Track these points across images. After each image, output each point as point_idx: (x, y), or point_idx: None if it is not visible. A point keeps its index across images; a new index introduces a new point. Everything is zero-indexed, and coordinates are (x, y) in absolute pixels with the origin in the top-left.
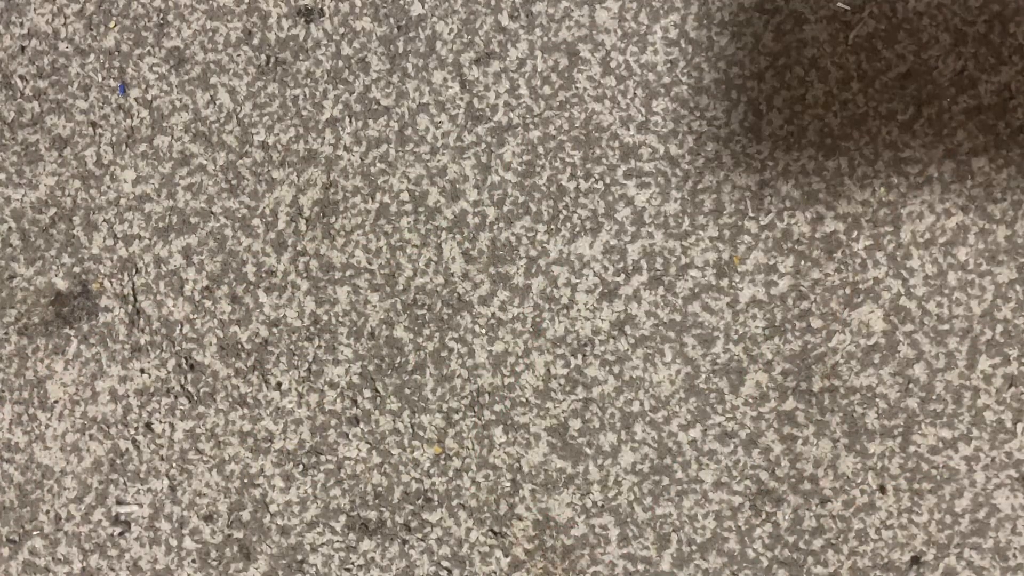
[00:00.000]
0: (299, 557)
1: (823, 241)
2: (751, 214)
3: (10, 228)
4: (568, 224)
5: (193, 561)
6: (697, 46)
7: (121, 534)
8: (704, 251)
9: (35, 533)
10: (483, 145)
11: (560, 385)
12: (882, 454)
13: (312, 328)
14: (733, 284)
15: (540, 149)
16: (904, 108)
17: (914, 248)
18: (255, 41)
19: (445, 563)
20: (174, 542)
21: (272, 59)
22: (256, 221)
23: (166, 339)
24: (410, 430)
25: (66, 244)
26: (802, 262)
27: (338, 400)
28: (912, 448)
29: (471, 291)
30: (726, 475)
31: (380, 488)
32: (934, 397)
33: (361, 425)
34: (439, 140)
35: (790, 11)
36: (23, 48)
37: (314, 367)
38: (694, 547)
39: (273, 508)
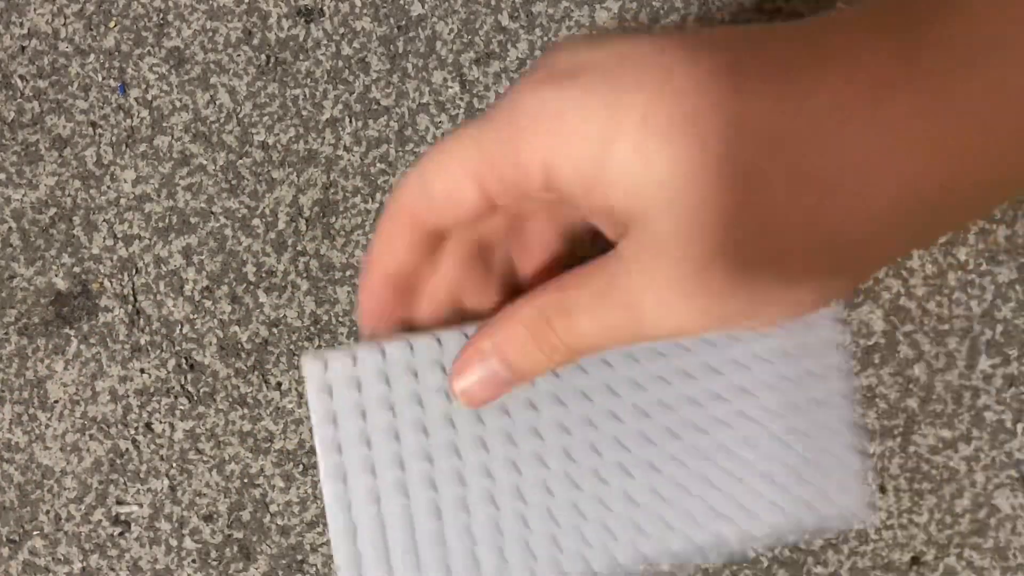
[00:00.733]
0: (299, 557)
1: None
2: None
3: (10, 228)
4: None
5: (193, 561)
6: None
7: (121, 534)
8: None
9: (35, 533)
10: None
11: None
12: (882, 454)
13: (312, 328)
14: None
15: None
16: None
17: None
18: (255, 41)
19: None
20: (174, 542)
21: (272, 59)
22: (256, 221)
23: (166, 339)
24: None
25: (66, 244)
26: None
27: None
28: (912, 448)
29: None
30: None
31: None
32: (934, 397)
33: None
34: (439, 140)
35: (790, 11)
36: (23, 48)
37: None
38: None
39: (273, 508)
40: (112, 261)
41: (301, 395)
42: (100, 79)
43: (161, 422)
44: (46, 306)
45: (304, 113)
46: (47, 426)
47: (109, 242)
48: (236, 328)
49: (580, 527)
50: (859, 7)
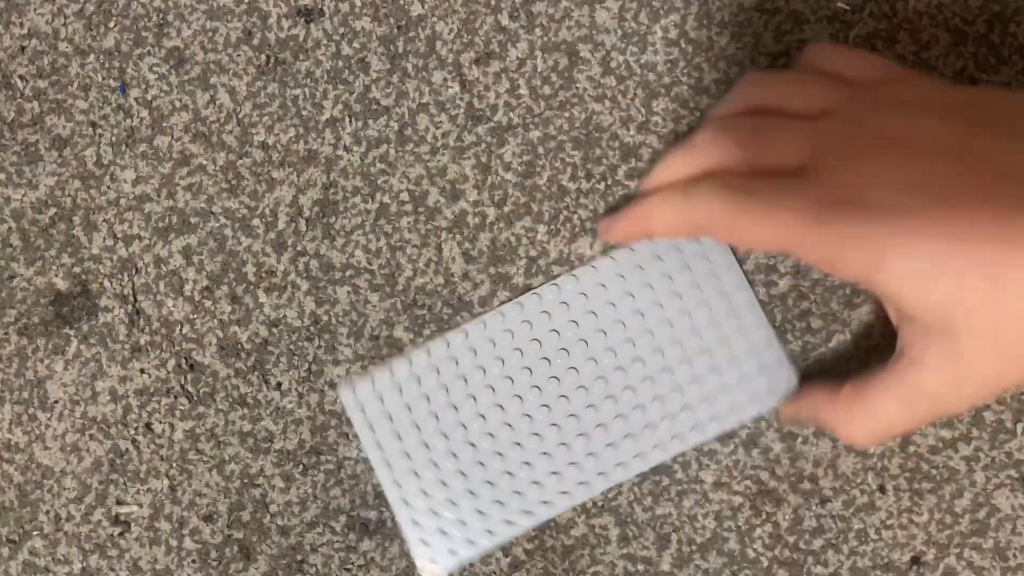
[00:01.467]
0: (299, 557)
1: None
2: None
3: (10, 228)
4: (568, 224)
5: (193, 561)
6: (697, 46)
7: (121, 534)
8: None
9: (35, 533)
10: (483, 145)
11: None
12: (882, 454)
13: (312, 328)
14: None
15: (540, 149)
16: None
17: None
18: (255, 41)
19: None
20: (174, 542)
21: (272, 59)
22: (256, 221)
23: (166, 339)
24: None
25: (66, 244)
26: (802, 262)
27: (338, 400)
28: (912, 448)
29: (471, 291)
30: (726, 475)
31: (380, 488)
32: None
33: None
34: (439, 140)
35: (790, 11)
36: (23, 48)
37: (314, 367)
38: (694, 547)
39: (273, 508)
40: (112, 261)
41: (301, 395)
42: (100, 79)
43: (161, 422)
44: (46, 306)
45: (304, 113)
46: (47, 426)
47: (109, 242)
48: (236, 328)
49: (570, 445)
50: None
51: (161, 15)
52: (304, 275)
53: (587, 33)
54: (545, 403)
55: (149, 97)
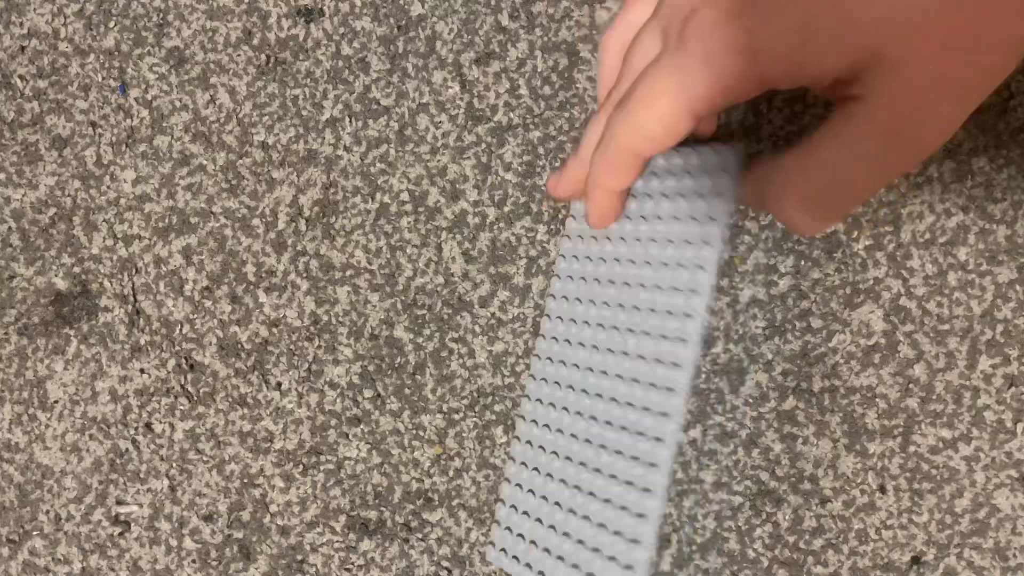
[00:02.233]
0: (299, 557)
1: (823, 241)
2: (751, 214)
3: (10, 228)
4: None
5: (193, 561)
6: None
7: (121, 534)
8: None
9: (35, 533)
10: (483, 145)
11: None
12: (882, 454)
13: (312, 328)
14: (733, 284)
15: (540, 149)
16: None
17: (914, 248)
18: (255, 41)
19: (445, 563)
20: (174, 542)
21: (272, 59)
22: (256, 221)
23: (166, 339)
24: (410, 430)
25: (66, 244)
26: (802, 262)
27: (338, 400)
28: (912, 448)
29: (471, 291)
30: (726, 475)
31: (380, 488)
32: (934, 397)
33: (361, 425)
34: (439, 140)
35: None
36: (23, 48)
37: (314, 367)
38: (694, 547)
39: (273, 508)
40: (112, 261)
41: (301, 395)
42: (100, 79)
43: (161, 422)
44: (46, 306)
45: (304, 113)
46: (47, 426)
47: (109, 242)
48: (236, 328)
49: None
50: None
51: (161, 15)
52: (304, 275)
53: (587, 33)
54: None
55: (149, 97)
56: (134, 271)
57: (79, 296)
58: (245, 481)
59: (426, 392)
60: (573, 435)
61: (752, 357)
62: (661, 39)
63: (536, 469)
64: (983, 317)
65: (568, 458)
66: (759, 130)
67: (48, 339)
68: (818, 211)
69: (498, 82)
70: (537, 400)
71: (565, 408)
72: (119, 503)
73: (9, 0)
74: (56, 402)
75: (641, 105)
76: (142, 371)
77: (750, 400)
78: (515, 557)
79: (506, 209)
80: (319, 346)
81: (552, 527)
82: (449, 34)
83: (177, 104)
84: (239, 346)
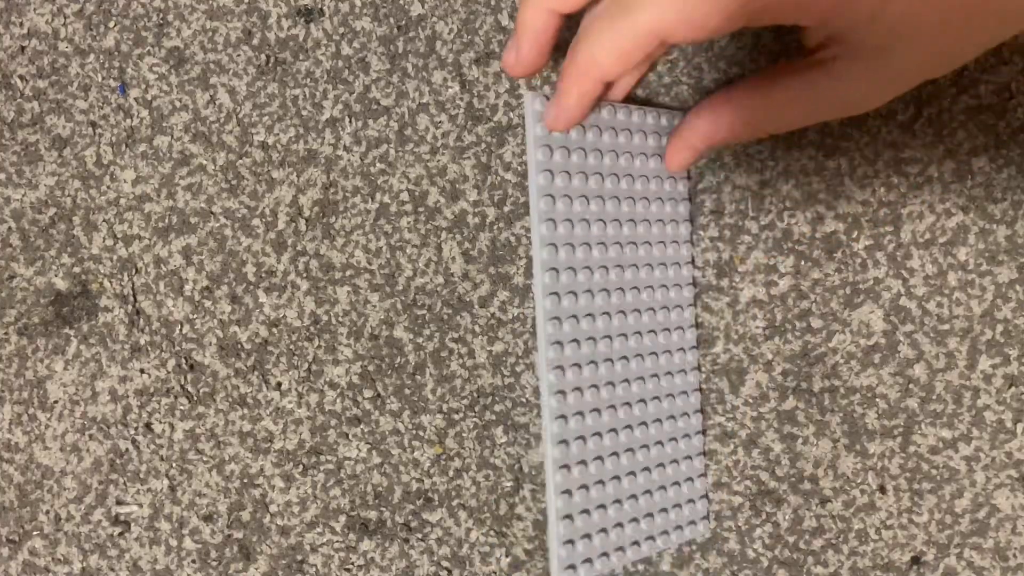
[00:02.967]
0: (299, 557)
1: (823, 241)
2: (751, 214)
3: (10, 228)
4: None
5: (193, 561)
6: (697, 46)
7: (121, 534)
8: (704, 251)
9: (35, 533)
10: (483, 145)
11: None
12: (882, 454)
13: (312, 328)
14: (733, 284)
15: None
16: (904, 108)
17: (914, 248)
18: (255, 41)
19: (445, 563)
20: (174, 542)
21: (272, 59)
22: (256, 221)
23: (166, 339)
24: (410, 430)
25: (66, 244)
26: (802, 262)
27: (338, 400)
28: (912, 448)
29: (471, 291)
30: (726, 475)
31: (380, 488)
32: (934, 397)
33: (361, 425)
34: (439, 140)
35: None
36: (23, 48)
37: (314, 367)
38: (694, 547)
39: (273, 508)
40: (112, 261)
41: (301, 395)
42: (100, 79)
43: (161, 422)
44: (46, 306)
45: (304, 113)
46: (47, 426)
47: (109, 242)
48: (236, 328)
49: None
50: None
51: (161, 15)
52: (304, 275)
53: None
54: None
55: (149, 97)
56: (134, 271)
57: (79, 296)
58: (245, 481)
59: (426, 392)
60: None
61: (752, 357)
62: None
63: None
64: (983, 317)
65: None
66: None
67: (48, 339)
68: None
69: (498, 82)
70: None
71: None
72: (119, 503)
73: (9, 0)
74: (56, 402)
75: (611, 23)
76: (142, 371)
77: (750, 400)
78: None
79: (506, 209)
80: (319, 346)
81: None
82: (449, 34)
83: (177, 104)
84: (239, 346)
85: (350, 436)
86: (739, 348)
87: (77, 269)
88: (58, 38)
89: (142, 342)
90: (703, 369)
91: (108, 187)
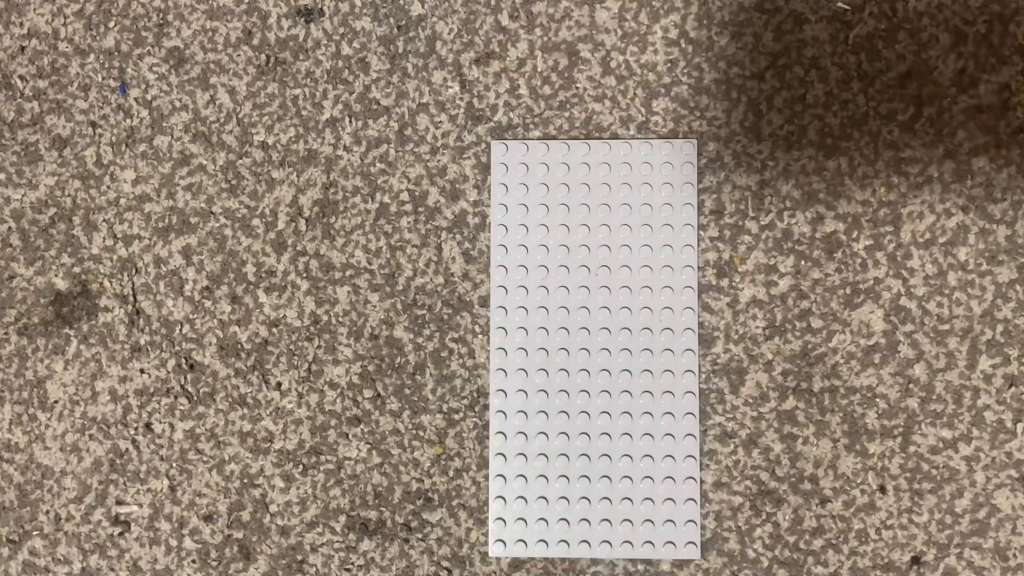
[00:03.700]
0: (299, 557)
1: (823, 241)
2: (751, 214)
3: (10, 228)
4: None
5: (193, 561)
6: (697, 46)
7: (121, 534)
8: (704, 251)
9: (35, 533)
10: (483, 145)
11: None
12: (882, 454)
13: (312, 328)
14: (733, 284)
15: None
16: (904, 108)
17: (914, 248)
18: (255, 41)
19: (445, 563)
20: (174, 542)
21: (272, 59)
22: (256, 221)
23: (166, 339)
24: (410, 430)
25: (66, 244)
26: (802, 262)
27: (338, 400)
28: (912, 448)
29: (471, 291)
30: (726, 475)
31: (380, 488)
32: (934, 397)
33: (361, 425)
34: (439, 140)
35: (790, 11)
36: (23, 48)
37: (314, 367)
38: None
39: (273, 508)
40: (112, 261)
41: (301, 395)
42: (100, 79)
43: (161, 422)
44: (46, 306)
45: (304, 113)
46: (47, 426)
47: (109, 242)
48: (236, 328)
49: None
50: None
51: (161, 15)
52: (304, 275)
53: (587, 33)
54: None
55: (149, 97)
56: (134, 271)
57: (79, 296)
58: (245, 481)
59: (426, 392)
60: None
61: (752, 357)
62: None
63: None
64: (983, 317)
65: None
66: (759, 130)
67: (48, 339)
68: None
69: (498, 82)
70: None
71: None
72: (119, 503)
73: (9, 0)
74: (56, 402)
75: None
76: (142, 371)
77: (750, 400)
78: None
79: None
80: (319, 346)
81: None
82: (449, 34)
83: (177, 104)
84: (239, 346)
85: (350, 436)
86: (739, 348)
87: (77, 269)
88: (58, 38)
89: (142, 342)
90: (703, 369)
91: (108, 187)
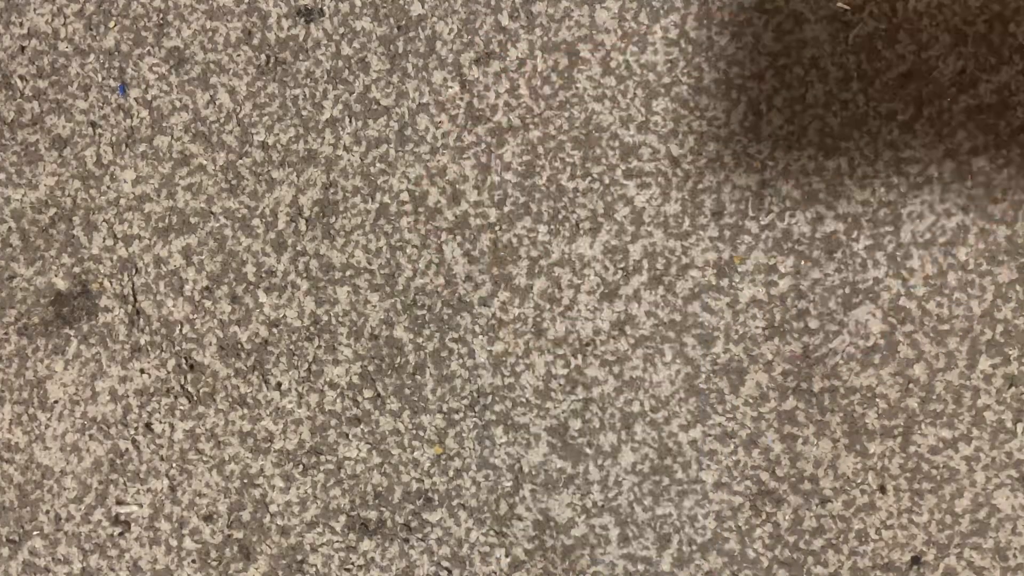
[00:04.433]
0: (299, 557)
1: (823, 241)
2: (751, 214)
3: (10, 228)
4: (568, 224)
5: (193, 561)
6: (697, 46)
7: (121, 534)
8: (704, 251)
9: (35, 533)
10: (483, 145)
11: (560, 385)
12: (882, 454)
13: (312, 328)
14: (733, 284)
15: (540, 149)
16: (904, 108)
17: (914, 248)
18: (255, 41)
19: (445, 563)
20: (174, 542)
21: (272, 59)
22: (256, 221)
23: (166, 339)
24: (410, 430)
25: (66, 244)
26: (802, 262)
27: (338, 400)
28: (912, 448)
29: (471, 292)
30: (726, 475)
31: (380, 488)
32: (934, 397)
33: (361, 425)
34: (439, 140)
35: (790, 11)
36: (23, 48)
37: (314, 367)
38: (694, 547)
39: (273, 508)
40: (112, 261)
41: (301, 395)
42: (100, 79)
43: (161, 422)
44: (46, 306)
45: (304, 113)
46: (47, 426)
47: (109, 242)
48: (236, 328)
49: None
50: None
51: (161, 15)
52: (304, 275)
53: (587, 33)
54: None
55: (149, 97)
56: (134, 271)
57: (79, 296)
58: (245, 481)
59: (426, 392)
60: None
61: (752, 357)
62: None
63: None
64: (983, 317)
65: None
66: (759, 130)
67: (48, 339)
68: None
69: (498, 82)
70: None
71: None
72: (119, 503)
73: (9, 0)
74: (56, 402)
75: None
76: (142, 371)
77: (750, 400)
78: None
79: (506, 209)
80: (319, 346)
81: None
82: (449, 34)
83: (177, 104)
84: (239, 346)
85: (350, 436)
86: (739, 348)
87: (77, 269)
88: (58, 38)
89: (142, 342)
90: (703, 369)
91: (108, 187)
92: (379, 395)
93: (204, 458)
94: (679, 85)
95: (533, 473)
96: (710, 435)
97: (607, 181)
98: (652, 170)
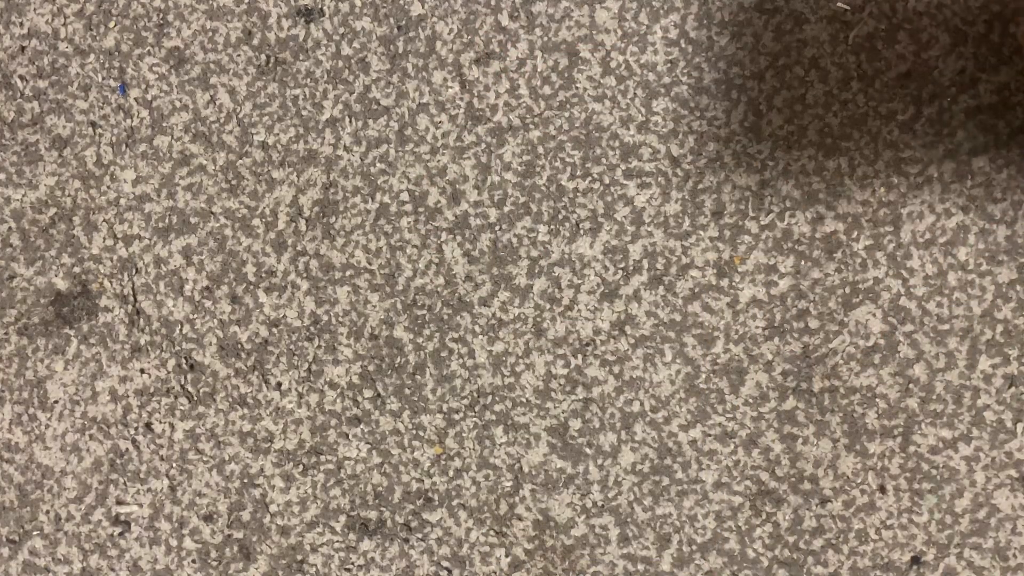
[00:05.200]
0: (299, 557)
1: (823, 241)
2: (751, 214)
3: (10, 228)
4: (568, 224)
5: (193, 561)
6: (697, 46)
7: (121, 534)
8: (704, 251)
9: (35, 533)
10: (483, 145)
11: (560, 385)
12: (882, 454)
13: (312, 328)
14: (733, 284)
15: (540, 149)
16: (904, 108)
17: (914, 248)
18: (255, 41)
19: (445, 563)
20: (174, 542)
21: (272, 59)
22: (256, 221)
23: (166, 339)
24: (410, 430)
25: (66, 244)
26: (802, 262)
27: (338, 400)
28: (912, 448)
29: (471, 292)
30: (726, 475)
31: (380, 488)
32: (934, 397)
33: (361, 425)
34: (439, 140)
35: (790, 11)
36: (23, 48)
37: (314, 367)
38: (694, 547)
39: (273, 508)
40: (112, 261)
41: (301, 395)
42: (100, 79)
43: (161, 422)
44: (46, 306)
45: (304, 113)
46: (47, 426)
47: (109, 242)
48: (236, 328)
49: None
50: None
51: (161, 15)
52: (304, 275)
53: (587, 33)
54: None
55: (149, 97)
56: (134, 271)
57: (79, 296)
58: (245, 481)
59: (426, 392)
60: None
61: (752, 357)
62: None
63: None
64: (983, 317)
65: None
66: (759, 130)
67: (48, 339)
68: None
69: (498, 82)
70: None
71: None
72: (119, 503)
73: (9, 0)
74: (56, 402)
75: None
76: (142, 371)
77: (750, 400)
78: None
79: (506, 209)
80: (319, 346)
81: None
82: (449, 34)
83: (177, 104)
84: (239, 346)
85: (350, 436)
86: (739, 348)
87: (77, 269)
88: (58, 38)
89: (142, 342)
90: (703, 369)
91: (108, 187)
92: (379, 395)
93: (204, 458)
94: (679, 85)
95: (533, 473)
96: (710, 435)
97: (607, 181)
98: (652, 170)
